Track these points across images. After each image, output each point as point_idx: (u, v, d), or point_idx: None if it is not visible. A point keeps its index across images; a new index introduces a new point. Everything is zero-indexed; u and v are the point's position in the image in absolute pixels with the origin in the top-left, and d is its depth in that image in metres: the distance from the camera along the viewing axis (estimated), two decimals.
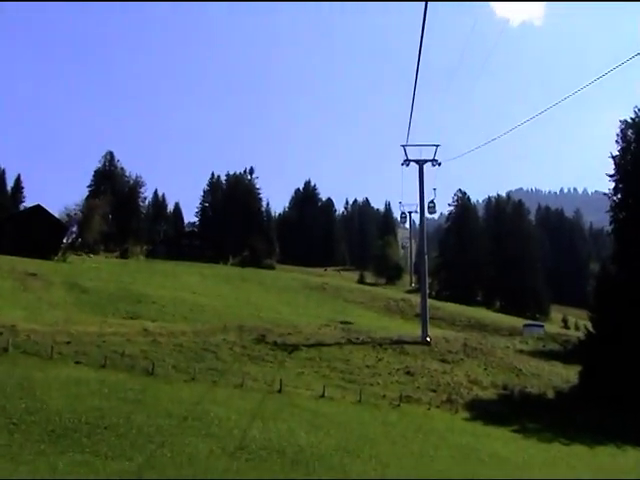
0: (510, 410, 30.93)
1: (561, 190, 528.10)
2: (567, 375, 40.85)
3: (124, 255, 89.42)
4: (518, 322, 65.10)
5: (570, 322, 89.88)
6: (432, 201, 46.22)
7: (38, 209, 73.36)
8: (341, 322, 45.71)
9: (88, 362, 25.19)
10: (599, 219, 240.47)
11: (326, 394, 26.35)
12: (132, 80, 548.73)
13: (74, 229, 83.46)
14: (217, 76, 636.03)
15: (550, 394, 35.72)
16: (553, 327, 74.15)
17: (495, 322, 62.77)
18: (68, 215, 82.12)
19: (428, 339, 41.83)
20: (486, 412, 29.69)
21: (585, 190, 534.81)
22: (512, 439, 25.83)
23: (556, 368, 42.87)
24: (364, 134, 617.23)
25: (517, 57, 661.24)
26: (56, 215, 78.25)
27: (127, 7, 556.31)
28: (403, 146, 43.10)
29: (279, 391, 25.49)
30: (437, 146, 43.29)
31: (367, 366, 34.13)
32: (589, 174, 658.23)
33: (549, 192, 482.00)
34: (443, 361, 38.23)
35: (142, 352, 28.70)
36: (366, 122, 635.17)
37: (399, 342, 40.50)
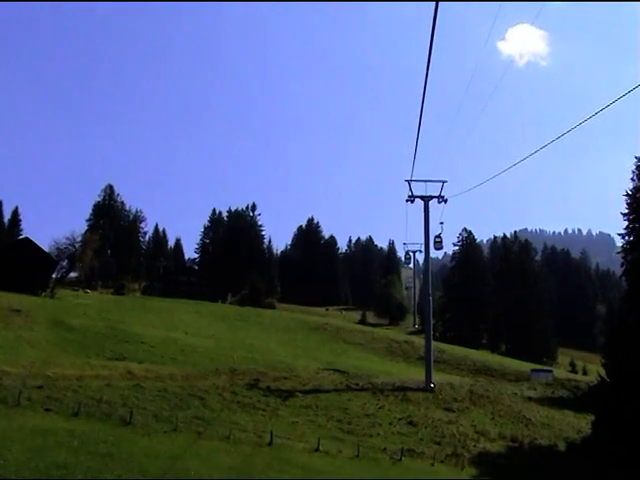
0: (520, 464, 28.67)
1: (565, 231, 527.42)
2: (579, 424, 38.52)
3: (120, 291, 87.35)
4: (525, 366, 62.71)
5: (578, 366, 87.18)
6: (439, 236, 44.00)
7: (26, 242, 71.10)
8: (334, 369, 43.11)
9: (60, 409, 23.03)
10: (604, 260, 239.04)
11: (321, 447, 24.07)
12: (135, 113, 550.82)
13: (64, 263, 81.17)
14: (221, 111, 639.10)
15: (561, 446, 33.31)
16: (561, 371, 71.73)
17: (501, 366, 60.30)
18: (58, 249, 79.95)
19: (432, 385, 39.55)
20: (494, 467, 27.38)
21: (590, 231, 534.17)
22: None
23: (567, 417, 40.53)
24: (368, 172, 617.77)
25: (523, 96, 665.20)
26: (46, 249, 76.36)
27: (132, 36, 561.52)
28: (408, 181, 41.24)
29: (269, 444, 23.27)
30: (444, 182, 41.39)
31: (366, 415, 31.81)
32: (593, 216, 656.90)
33: (553, 233, 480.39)
34: (448, 410, 35.89)
35: (122, 398, 26.55)
36: (370, 160, 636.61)
37: (401, 388, 38.24)
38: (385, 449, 26.22)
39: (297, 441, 24.83)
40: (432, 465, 25.75)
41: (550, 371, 54.58)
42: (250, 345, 48.65)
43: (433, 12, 11.62)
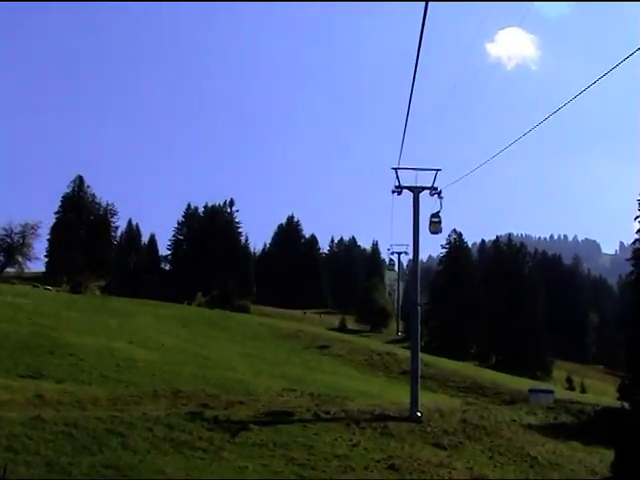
0: None
1: (551, 236, 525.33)
2: (591, 462, 32.34)
3: (75, 289, 79.95)
4: (520, 383, 56.82)
5: (575, 382, 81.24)
6: (437, 214, 35.19)
7: None
8: (302, 391, 36.27)
9: None
10: (591, 267, 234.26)
11: None
12: (108, 100, 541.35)
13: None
14: (200, 103, 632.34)
15: None
16: (557, 388, 65.85)
17: (494, 384, 54.10)
18: None
19: (419, 414, 32.93)
20: None
21: (575, 237, 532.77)
22: None
23: (576, 452, 34.22)
24: (352, 170, 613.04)
25: (512, 100, 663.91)
26: None
27: (102, 20, 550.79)
28: (395, 169, 34.49)
29: None
30: (437, 171, 34.62)
31: (336, 456, 25.03)
32: (579, 222, 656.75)
33: (539, 238, 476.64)
34: (437, 446, 29.34)
35: (7, 438, 19.81)
36: (354, 158, 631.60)
37: (381, 417, 31.67)
38: None
39: None
40: None
41: (551, 392, 48.56)
42: (204, 359, 41.78)
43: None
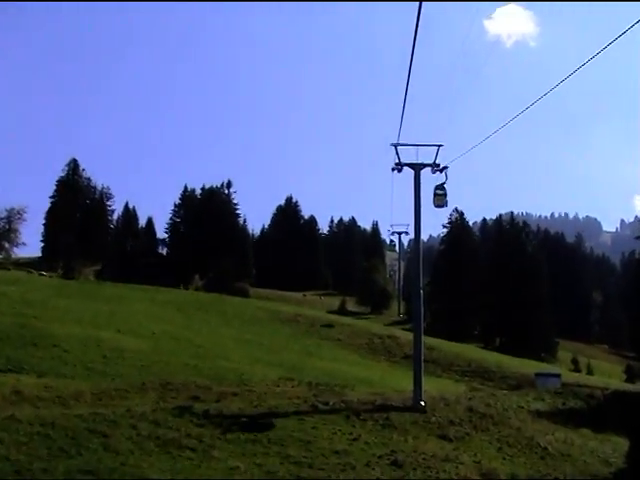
0: None
1: (552, 215, 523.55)
2: (604, 452, 30.70)
3: (68, 275, 78.11)
4: (526, 366, 55.42)
5: (581, 363, 79.67)
6: (442, 186, 32.75)
7: None
8: (299, 380, 34.73)
9: None
10: (592, 245, 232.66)
11: None
12: (102, 81, 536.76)
13: None
14: (195, 82, 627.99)
15: None
16: (562, 369, 64.46)
17: (500, 368, 52.66)
18: None
19: (422, 404, 31.26)
20: None
21: (576, 215, 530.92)
22: None
23: (588, 440, 32.59)
24: (351, 149, 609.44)
25: (512, 77, 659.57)
26: None
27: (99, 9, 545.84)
28: (394, 145, 32.53)
29: None
30: (439, 146, 32.65)
31: (336, 452, 23.30)
32: (580, 200, 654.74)
33: (539, 216, 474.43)
34: (443, 437, 27.67)
35: None
36: (353, 136, 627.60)
37: (383, 408, 29.96)
38: None
39: None
40: None
41: (558, 375, 47.06)
42: (198, 347, 40.07)
43: None
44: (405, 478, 22.10)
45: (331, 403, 29.42)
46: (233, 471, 20.10)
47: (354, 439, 25.17)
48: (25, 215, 78.68)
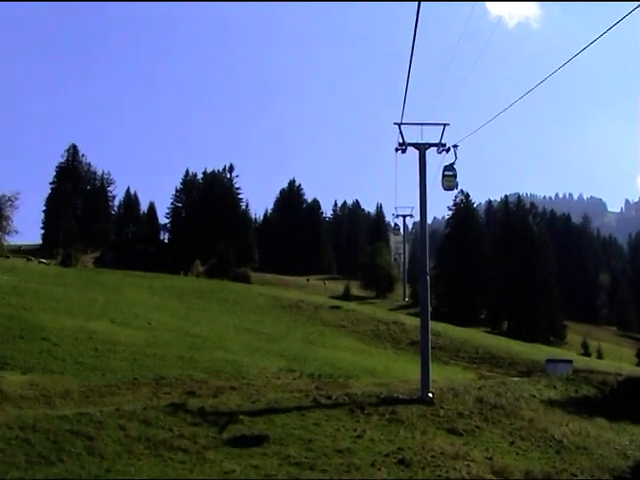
0: None
1: (556, 195, 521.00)
2: (620, 444, 29.23)
3: (66, 262, 76.35)
4: (535, 351, 54.05)
5: (591, 346, 78.15)
6: (452, 167, 30.32)
7: None
8: (301, 371, 33.30)
9: None
10: (597, 226, 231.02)
11: None
12: (102, 67, 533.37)
13: None
14: (197, 68, 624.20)
15: None
16: (572, 354, 62.96)
17: (508, 354, 51.10)
18: None
19: (430, 395, 29.79)
20: None
21: (581, 195, 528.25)
22: None
23: (604, 431, 31.07)
24: (354, 132, 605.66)
25: (515, 58, 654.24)
26: None
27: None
28: (398, 124, 30.82)
29: None
30: (445, 125, 30.92)
31: (339, 451, 21.84)
32: (584, 180, 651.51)
33: (544, 197, 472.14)
34: (452, 432, 26.20)
35: None
36: (357, 119, 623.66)
37: (389, 401, 28.49)
38: None
39: None
40: None
41: (570, 361, 45.62)
42: (195, 337, 38.47)
43: None
44: (413, 479, 20.72)
45: (334, 397, 27.91)
46: (228, 475, 18.67)
47: (358, 436, 23.69)
48: (17, 202, 75.34)
